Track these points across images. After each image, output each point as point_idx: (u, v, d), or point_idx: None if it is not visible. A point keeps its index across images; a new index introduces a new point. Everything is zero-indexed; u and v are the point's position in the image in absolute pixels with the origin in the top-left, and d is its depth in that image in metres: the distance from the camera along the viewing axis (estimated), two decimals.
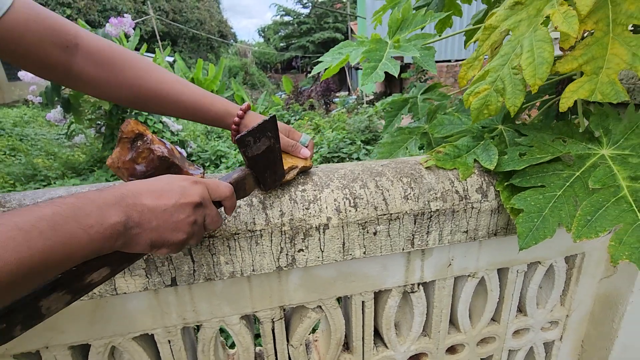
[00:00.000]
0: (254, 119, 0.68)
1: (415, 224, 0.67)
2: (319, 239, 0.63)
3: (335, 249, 0.65)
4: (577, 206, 0.59)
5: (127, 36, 3.99)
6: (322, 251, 0.64)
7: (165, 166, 0.54)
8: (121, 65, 0.63)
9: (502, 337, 0.91)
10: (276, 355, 0.77)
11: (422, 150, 0.97)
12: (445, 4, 1.14)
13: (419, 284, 0.79)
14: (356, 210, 0.64)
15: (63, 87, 3.55)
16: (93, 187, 0.57)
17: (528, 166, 0.65)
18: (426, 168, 0.70)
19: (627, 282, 0.84)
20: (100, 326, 0.64)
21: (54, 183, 4.21)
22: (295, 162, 0.65)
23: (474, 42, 0.67)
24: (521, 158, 0.66)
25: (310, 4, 25.41)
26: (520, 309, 0.93)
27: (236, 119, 0.68)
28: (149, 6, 17.18)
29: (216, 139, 6.22)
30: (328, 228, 0.63)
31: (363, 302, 0.77)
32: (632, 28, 0.67)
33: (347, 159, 4.67)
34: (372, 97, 9.65)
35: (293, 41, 25.29)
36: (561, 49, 0.56)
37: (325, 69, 0.85)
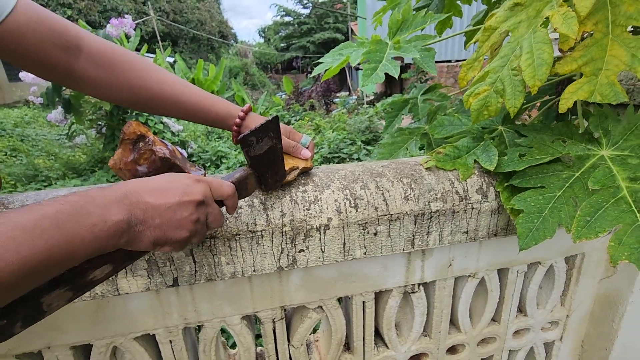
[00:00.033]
0: (255, 121, 0.68)
1: (415, 224, 0.67)
2: (320, 240, 0.64)
3: (335, 249, 0.65)
4: (576, 207, 0.59)
5: (127, 37, 4.00)
6: (323, 251, 0.65)
7: (167, 167, 0.54)
8: (122, 66, 0.64)
9: (503, 337, 0.91)
10: (277, 355, 0.77)
11: (422, 151, 0.98)
12: (446, 5, 1.14)
13: (419, 284, 0.79)
14: (357, 211, 0.64)
15: (64, 88, 3.56)
16: (94, 187, 0.57)
17: (528, 167, 0.65)
18: (426, 169, 0.71)
19: (627, 283, 0.84)
20: (102, 326, 0.65)
21: (55, 184, 4.22)
22: (296, 163, 0.65)
23: (474, 43, 0.68)
24: (521, 159, 0.66)
25: (310, 5, 25.42)
26: (521, 309, 0.93)
27: (237, 120, 0.68)
28: (150, 7, 17.21)
29: (217, 139, 6.22)
30: (329, 228, 0.63)
31: (364, 302, 0.77)
32: (632, 29, 0.67)
33: (348, 160, 4.67)
34: (372, 97, 9.66)
35: (293, 41, 25.30)
36: (560, 50, 0.56)
37: (326, 70, 0.86)
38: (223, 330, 1.43)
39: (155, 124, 4.17)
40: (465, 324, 0.87)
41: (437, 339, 0.86)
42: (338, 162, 4.66)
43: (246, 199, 0.62)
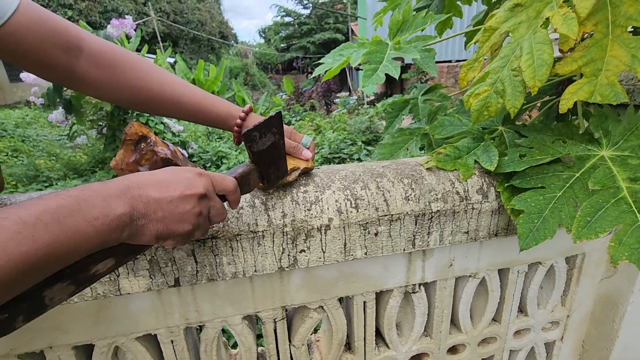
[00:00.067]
0: (256, 121, 0.68)
1: (416, 224, 0.67)
2: (321, 240, 0.64)
3: (336, 249, 0.65)
4: (577, 207, 0.59)
5: (128, 37, 4.00)
6: (324, 252, 0.65)
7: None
8: (122, 67, 0.64)
9: (503, 338, 0.91)
10: (278, 355, 0.77)
11: (422, 151, 0.98)
12: (446, 5, 1.15)
13: (420, 285, 0.79)
14: (357, 211, 0.64)
15: (65, 89, 3.57)
16: (96, 182, 0.57)
17: (528, 167, 0.65)
18: (427, 169, 0.71)
19: (628, 283, 0.84)
20: (104, 326, 0.65)
21: (56, 184, 4.23)
22: (297, 164, 0.65)
23: (474, 43, 0.68)
24: (521, 159, 0.66)
25: (310, 5, 25.44)
26: (521, 309, 0.93)
27: (238, 121, 0.69)
28: (150, 7, 17.22)
29: (217, 139, 6.22)
30: (329, 229, 0.63)
31: (365, 302, 0.77)
32: (632, 30, 0.67)
33: (348, 160, 4.67)
34: (372, 97, 9.66)
35: (294, 42, 25.31)
36: (561, 50, 0.56)
37: (326, 71, 0.86)
38: (224, 331, 1.43)
39: (156, 124, 4.18)
40: (466, 324, 0.87)
41: (438, 339, 0.86)
42: (338, 163, 4.66)
43: (247, 199, 0.62)
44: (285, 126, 0.70)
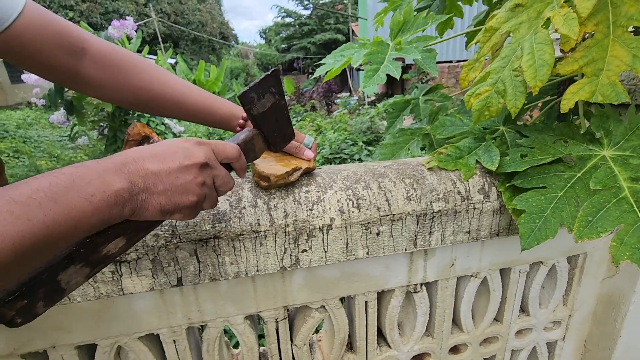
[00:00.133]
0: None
1: (417, 224, 0.67)
2: (323, 240, 0.64)
3: (338, 249, 0.65)
4: (578, 207, 0.60)
5: (129, 38, 4.01)
6: (326, 252, 0.65)
7: None
8: (125, 68, 0.65)
9: (505, 337, 0.91)
10: (280, 355, 0.77)
11: (424, 152, 0.98)
12: (447, 6, 1.15)
13: (421, 284, 0.79)
14: (359, 211, 0.64)
15: (66, 90, 3.58)
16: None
17: (529, 167, 0.65)
18: (428, 169, 0.71)
19: (630, 283, 0.84)
20: (107, 326, 0.65)
21: None
22: (299, 164, 0.65)
23: (475, 43, 0.68)
24: (522, 159, 0.67)
25: (311, 6, 25.46)
26: (523, 309, 0.93)
27: (241, 121, 0.69)
28: (151, 9, 17.25)
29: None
30: (331, 229, 0.63)
31: (366, 302, 0.77)
32: (633, 30, 0.67)
33: (349, 160, 4.68)
34: (373, 98, 9.67)
35: (294, 42, 25.33)
36: (562, 50, 0.56)
37: (327, 71, 0.86)
38: (226, 331, 1.44)
39: (157, 125, 4.18)
40: (468, 323, 0.87)
41: (440, 339, 0.86)
42: (339, 163, 4.66)
43: (250, 199, 0.62)
44: None
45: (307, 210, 0.63)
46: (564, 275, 0.88)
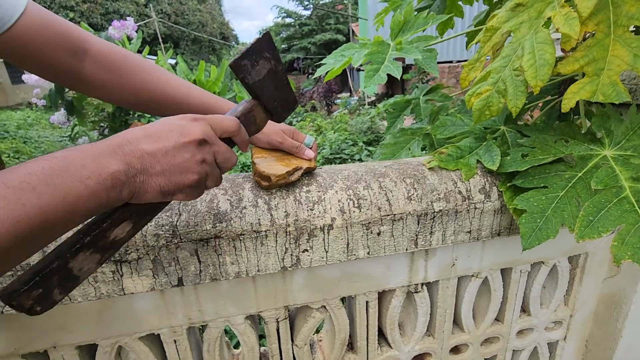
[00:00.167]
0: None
1: (418, 224, 0.67)
2: (323, 240, 0.64)
3: (339, 249, 0.65)
4: (579, 207, 0.59)
5: (129, 39, 4.01)
6: (327, 251, 0.65)
7: None
8: (127, 69, 0.65)
9: (506, 337, 0.91)
10: (281, 355, 0.77)
11: (424, 151, 0.98)
12: (447, 6, 1.15)
13: (422, 284, 0.79)
14: (360, 211, 0.64)
15: (67, 90, 3.58)
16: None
17: (530, 167, 0.65)
18: (429, 169, 0.71)
19: (631, 282, 0.84)
20: (107, 326, 0.65)
21: None
22: (300, 164, 0.66)
23: (476, 43, 0.68)
24: (523, 159, 0.67)
25: (311, 6, 25.47)
26: (524, 309, 0.93)
27: None
28: (151, 9, 17.26)
29: None
30: (332, 229, 0.63)
31: (367, 302, 0.77)
32: (633, 29, 0.67)
33: (349, 160, 4.68)
34: (373, 98, 9.67)
35: (295, 43, 25.34)
36: (562, 50, 0.56)
37: (328, 71, 0.86)
38: (226, 331, 1.44)
39: None
40: (469, 323, 0.87)
41: (441, 339, 0.86)
42: (340, 163, 4.66)
43: (251, 199, 0.62)
44: (287, 126, 0.70)
45: (307, 210, 0.63)
46: (565, 275, 0.88)
